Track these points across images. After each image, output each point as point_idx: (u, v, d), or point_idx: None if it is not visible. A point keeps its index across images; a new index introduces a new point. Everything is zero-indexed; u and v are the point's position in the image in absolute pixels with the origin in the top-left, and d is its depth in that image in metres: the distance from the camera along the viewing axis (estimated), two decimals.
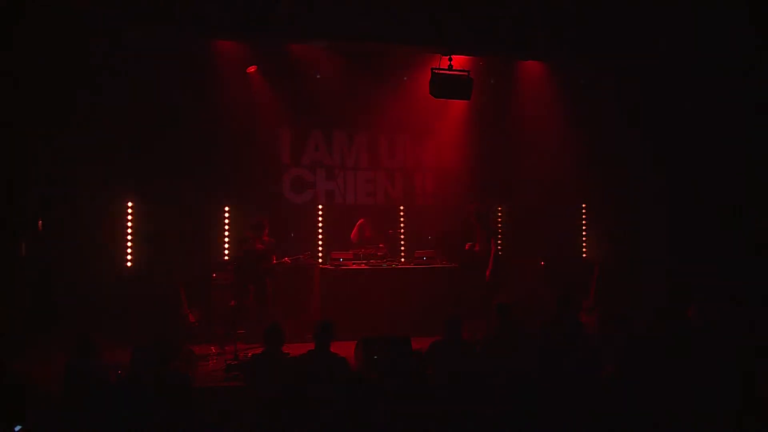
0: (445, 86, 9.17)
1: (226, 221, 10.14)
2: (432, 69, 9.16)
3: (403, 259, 10.59)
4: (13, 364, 6.29)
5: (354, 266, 9.39)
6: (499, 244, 9.31)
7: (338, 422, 4.28)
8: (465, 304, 8.90)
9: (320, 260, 10.35)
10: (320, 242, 10.61)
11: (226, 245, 10.09)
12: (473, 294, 9.22)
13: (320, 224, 10.67)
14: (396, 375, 5.85)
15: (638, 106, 10.89)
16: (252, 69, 9.98)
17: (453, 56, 9.33)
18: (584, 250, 11.87)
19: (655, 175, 11.14)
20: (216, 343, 8.38)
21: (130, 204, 9.61)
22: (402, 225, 11.10)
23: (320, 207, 10.72)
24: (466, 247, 9.34)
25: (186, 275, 9.21)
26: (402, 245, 10.99)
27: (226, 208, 10.16)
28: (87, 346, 5.62)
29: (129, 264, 9.54)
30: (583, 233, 11.91)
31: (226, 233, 10.09)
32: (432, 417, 4.77)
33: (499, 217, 11.56)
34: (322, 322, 5.84)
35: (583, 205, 11.95)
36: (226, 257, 9.97)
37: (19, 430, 4.45)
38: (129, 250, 9.54)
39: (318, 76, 10.32)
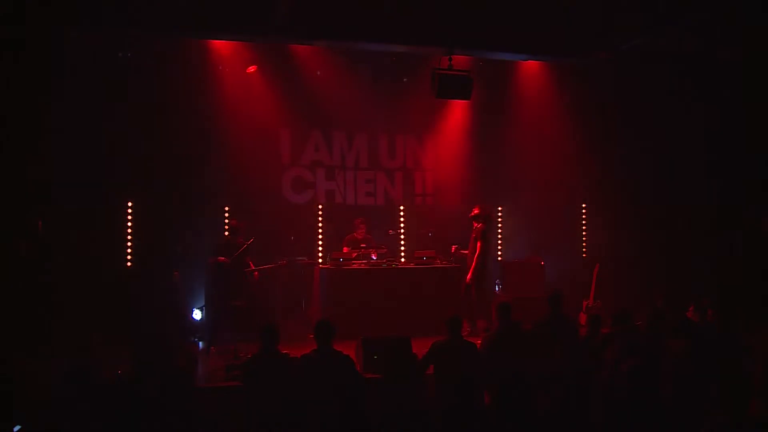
0: (446, 86, 9.18)
1: (226, 221, 10.13)
2: (432, 69, 9.16)
3: (403, 259, 10.58)
4: (13, 365, 6.29)
5: (354, 266, 9.39)
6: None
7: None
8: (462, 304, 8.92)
9: (320, 260, 10.34)
10: (320, 242, 10.61)
11: None
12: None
13: (320, 224, 10.67)
14: (396, 375, 5.84)
15: (638, 105, 10.89)
16: (252, 69, 9.98)
17: (453, 56, 9.33)
18: (584, 249, 11.86)
19: (655, 175, 11.14)
20: (216, 343, 8.37)
21: (130, 204, 9.61)
22: (402, 225, 11.09)
23: (320, 207, 10.72)
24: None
25: (186, 275, 9.21)
26: (402, 245, 10.99)
27: (226, 208, 10.16)
28: (87, 345, 5.62)
29: (129, 264, 9.54)
30: (583, 233, 11.90)
31: (226, 233, 10.08)
32: (432, 417, 4.78)
33: (500, 217, 11.55)
34: (320, 321, 5.84)
35: (583, 205, 11.94)
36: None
37: (19, 430, 4.46)
38: (129, 250, 9.55)
39: (318, 73, 10.33)
